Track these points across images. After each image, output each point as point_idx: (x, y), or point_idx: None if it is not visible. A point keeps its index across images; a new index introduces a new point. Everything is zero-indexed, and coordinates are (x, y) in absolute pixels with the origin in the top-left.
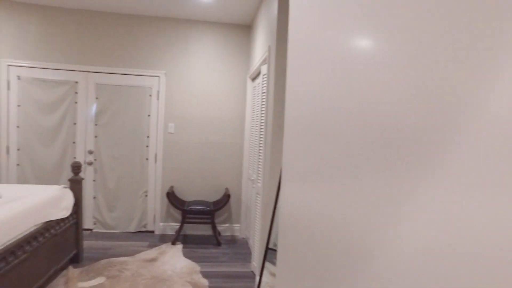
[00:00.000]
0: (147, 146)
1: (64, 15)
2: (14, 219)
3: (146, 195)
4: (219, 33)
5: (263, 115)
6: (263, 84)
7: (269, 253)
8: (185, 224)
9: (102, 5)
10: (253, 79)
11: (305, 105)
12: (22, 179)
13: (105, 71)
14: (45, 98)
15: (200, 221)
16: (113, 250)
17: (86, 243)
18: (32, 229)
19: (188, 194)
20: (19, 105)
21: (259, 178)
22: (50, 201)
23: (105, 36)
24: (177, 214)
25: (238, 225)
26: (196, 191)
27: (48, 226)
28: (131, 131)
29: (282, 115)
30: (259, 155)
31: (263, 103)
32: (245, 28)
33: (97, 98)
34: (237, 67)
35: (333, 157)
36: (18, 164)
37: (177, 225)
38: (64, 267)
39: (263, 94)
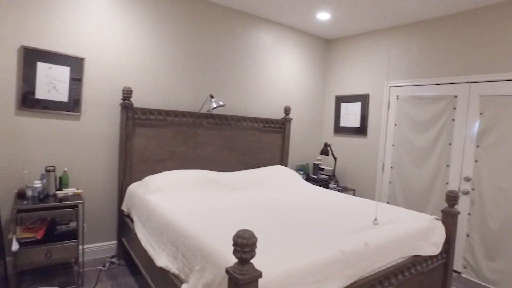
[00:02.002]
0: None
1: (443, 24)
2: (386, 246)
3: None
4: None
5: None
6: None
7: None
8: None
9: None
10: None
11: None
12: (392, 197)
13: (493, 79)
14: (419, 116)
15: None
16: None
17: None
18: (399, 261)
19: None
20: (395, 124)
21: None
22: (419, 232)
23: (494, 32)
24: None
25: None
26: None
27: (415, 261)
28: None
29: None
30: None
31: None
32: None
33: (481, 113)
34: None
35: None
36: (390, 182)
37: None
38: None
39: None
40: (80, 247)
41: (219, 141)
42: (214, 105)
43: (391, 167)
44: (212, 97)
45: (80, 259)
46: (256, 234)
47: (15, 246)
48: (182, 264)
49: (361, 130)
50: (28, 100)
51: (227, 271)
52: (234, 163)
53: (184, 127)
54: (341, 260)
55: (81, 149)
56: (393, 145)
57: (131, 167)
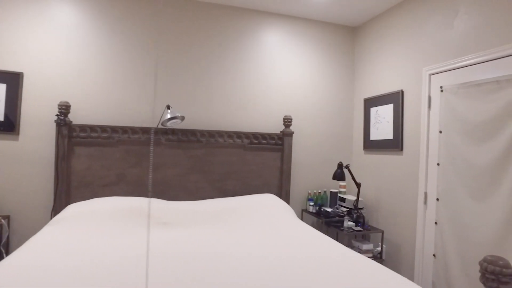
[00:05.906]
0: None
1: None
2: None
3: None
4: None
5: None
6: None
7: None
8: None
9: None
10: None
11: None
12: (440, 247)
13: None
14: (476, 114)
15: None
16: None
17: None
18: None
19: None
20: (440, 131)
21: None
22: None
23: None
24: None
25: None
26: None
27: None
28: None
29: None
30: None
31: None
32: None
33: None
34: None
35: None
36: (436, 223)
37: None
38: None
39: None
40: None
41: (185, 162)
42: (169, 116)
43: (437, 199)
44: (168, 108)
45: None
46: None
47: None
48: None
49: (394, 144)
50: None
51: None
52: (207, 190)
53: (136, 146)
54: None
55: (17, 172)
56: (438, 164)
57: (69, 192)
